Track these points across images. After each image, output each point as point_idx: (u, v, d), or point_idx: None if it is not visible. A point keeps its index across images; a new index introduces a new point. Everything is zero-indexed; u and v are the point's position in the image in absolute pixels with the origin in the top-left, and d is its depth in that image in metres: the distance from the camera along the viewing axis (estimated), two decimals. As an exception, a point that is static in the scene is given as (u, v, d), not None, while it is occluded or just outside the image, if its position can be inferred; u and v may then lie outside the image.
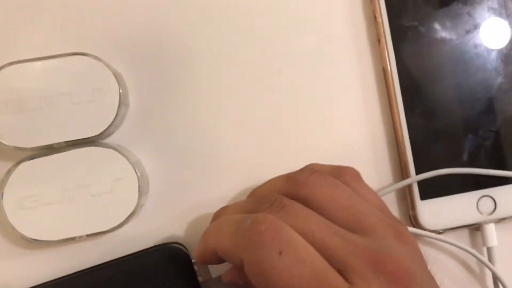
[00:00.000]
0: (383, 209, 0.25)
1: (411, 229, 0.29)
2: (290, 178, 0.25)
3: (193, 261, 0.27)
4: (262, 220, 0.21)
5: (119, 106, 0.27)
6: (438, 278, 0.22)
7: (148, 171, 0.29)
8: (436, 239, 0.29)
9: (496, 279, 0.29)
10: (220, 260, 0.23)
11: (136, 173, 0.27)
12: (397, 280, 0.20)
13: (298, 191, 0.24)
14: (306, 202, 0.23)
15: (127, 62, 0.29)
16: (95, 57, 0.27)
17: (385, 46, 0.29)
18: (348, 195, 0.23)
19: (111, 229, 0.27)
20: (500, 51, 0.30)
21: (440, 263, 0.30)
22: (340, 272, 0.20)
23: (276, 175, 0.26)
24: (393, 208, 0.30)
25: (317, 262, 0.20)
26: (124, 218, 0.27)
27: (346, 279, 0.20)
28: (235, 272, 0.24)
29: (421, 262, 0.22)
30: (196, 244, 0.24)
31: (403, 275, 0.20)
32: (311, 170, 0.25)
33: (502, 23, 0.30)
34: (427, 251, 0.29)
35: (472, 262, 0.30)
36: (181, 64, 0.29)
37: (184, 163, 0.29)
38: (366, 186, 0.25)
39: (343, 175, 0.25)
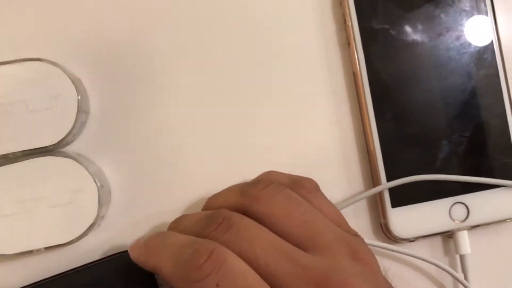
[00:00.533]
0: (341, 223, 0.24)
1: (374, 242, 0.28)
2: (244, 191, 0.24)
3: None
4: (202, 251, 0.21)
5: (78, 113, 0.26)
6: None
7: (110, 180, 0.28)
8: (398, 252, 0.28)
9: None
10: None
11: (96, 183, 0.26)
12: None
13: (251, 206, 0.23)
14: (258, 218, 0.22)
15: (88, 68, 0.28)
16: (52, 63, 0.26)
17: (355, 50, 0.28)
18: (303, 210, 0.22)
19: (70, 241, 0.26)
20: (472, 55, 0.29)
21: (405, 275, 0.29)
22: None
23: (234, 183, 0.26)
24: (365, 216, 0.29)
25: None
26: (84, 230, 0.26)
27: None
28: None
29: (377, 280, 0.22)
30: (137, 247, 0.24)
31: None
32: (267, 181, 0.24)
33: (475, 26, 0.29)
34: (392, 264, 0.29)
35: (441, 272, 0.30)
36: (143, 70, 0.28)
37: (146, 172, 0.28)
38: (324, 199, 0.25)
39: (300, 187, 0.24)
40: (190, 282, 0.21)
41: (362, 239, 0.23)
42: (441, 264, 0.29)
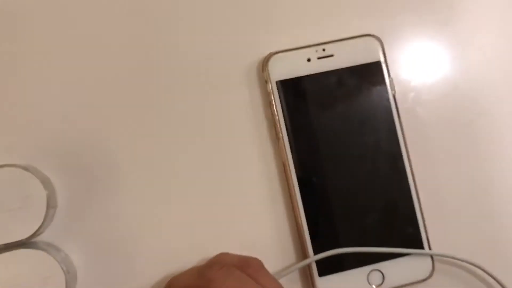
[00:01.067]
0: None
1: None
2: (201, 274, 0.29)
3: None
4: None
5: (47, 209, 0.31)
6: None
7: (76, 263, 0.32)
8: None
9: None
10: None
11: (63, 269, 0.30)
12: None
13: (208, 286, 0.28)
14: None
15: (55, 167, 0.33)
16: (23, 167, 0.31)
17: (283, 143, 0.34)
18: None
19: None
20: (379, 141, 0.35)
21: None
22: None
23: (192, 262, 0.31)
24: (298, 285, 0.34)
25: None
26: (53, 311, 0.30)
27: None
28: None
29: None
30: None
31: None
32: (220, 264, 0.29)
33: (381, 118, 0.35)
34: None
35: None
36: (102, 166, 0.33)
37: (109, 254, 0.33)
38: (268, 275, 0.30)
39: (248, 267, 0.29)
40: None
41: None
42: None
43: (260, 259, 0.32)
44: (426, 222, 0.34)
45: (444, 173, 0.37)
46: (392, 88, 0.35)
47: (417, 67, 0.37)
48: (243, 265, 0.30)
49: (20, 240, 0.30)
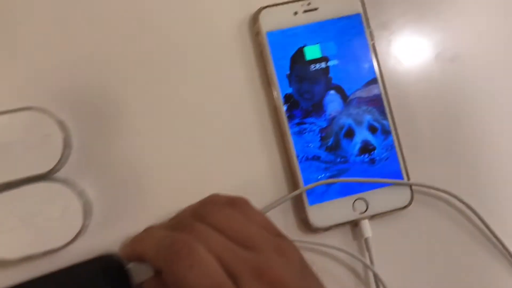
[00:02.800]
0: (269, 227, 0.32)
1: (296, 238, 0.37)
2: (195, 211, 0.33)
3: (127, 266, 0.34)
4: (179, 240, 0.29)
5: (63, 148, 0.34)
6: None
7: (91, 197, 0.36)
8: (316, 243, 0.37)
9: (367, 268, 0.38)
10: (142, 261, 0.31)
11: (80, 201, 0.34)
12: (273, 285, 0.28)
13: (204, 220, 0.31)
14: (209, 225, 0.31)
15: (68, 112, 0.36)
16: (41, 110, 0.34)
17: (274, 85, 0.38)
18: (239, 221, 0.31)
19: (62, 246, 0.34)
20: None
21: (323, 264, 0.38)
22: (234, 280, 0.28)
23: (193, 198, 0.34)
24: (290, 213, 0.38)
25: (216, 274, 0.28)
26: (72, 237, 0.34)
27: (237, 286, 0.28)
28: (154, 281, 0.32)
29: (300, 270, 0.30)
30: (124, 245, 0.32)
31: (277, 282, 0.28)
32: (212, 203, 0.33)
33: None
34: (311, 255, 0.38)
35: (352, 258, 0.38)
36: (113, 109, 0.37)
37: (121, 189, 0.36)
38: (254, 210, 0.33)
39: (235, 205, 0.33)
40: (169, 262, 0.28)
41: (285, 238, 0.32)
42: (349, 250, 0.37)
43: (257, 193, 0.36)
44: (405, 154, 0.38)
45: (420, 106, 0.41)
46: (372, 38, 0.39)
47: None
48: (232, 202, 0.33)
49: (39, 174, 0.34)
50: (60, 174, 0.35)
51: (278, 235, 0.32)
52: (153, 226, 0.35)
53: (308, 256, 0.32)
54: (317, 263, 0.34)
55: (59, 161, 0.34)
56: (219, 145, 0.38)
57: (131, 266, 0.33)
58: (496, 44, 0.42)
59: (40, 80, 0.37)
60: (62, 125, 0.35)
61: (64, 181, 0.34)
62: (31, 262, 0.34)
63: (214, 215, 0.32)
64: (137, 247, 0.32)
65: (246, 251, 0.29)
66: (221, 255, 0.29)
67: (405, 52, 0.41)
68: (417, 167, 0.39)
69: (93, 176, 0.36)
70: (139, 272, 0.34)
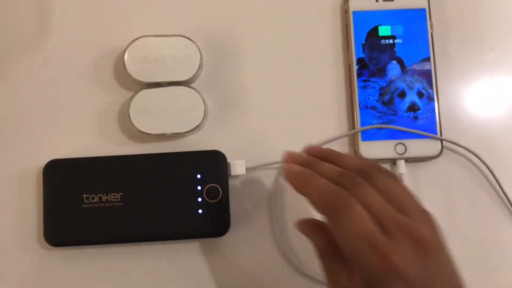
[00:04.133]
0: (419, 203, 0.35)
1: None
2: (363, 170, 0.36)
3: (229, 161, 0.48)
4: (344, 196, 0.33)
5: (199, 67, 0.49)
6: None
7: (209, 104, 0.51)
8: None
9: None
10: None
11: (203, 102, 0.49)
12: (419, 244, 0.31)
13: (370, 180, 0.35)
14: (373, 187, 0.35)
15: (202, 42, 0.51)
16: (188, 38, 0.49)
17: (351, 49, 0.51)
18: (399, 191, 0.35)
19: (185, 132, 0.49)
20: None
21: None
22: (386, 234, 0.32)
23: (281, 125, 0.50)
24: (346, 146, 0.51)
25: (371, 227, 0.32)
26: (195, 125, 0.49)
27: (388, 238, 0.31)
28: (310, 227, 0.38)
29: (439, 236, 0.33)
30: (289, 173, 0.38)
31: (424, 241, 0.31)
32: (378, 168, 0.37)
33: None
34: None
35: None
36: (236, 48, 0.52)
37: (228, 105, 0.51)
38: (406, 187, 0.36)
39: (396, 178, 0.37)
40: (336, 213, 0.33)
41: (431, 214, 0.34)
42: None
43: (325, 128, 0.51)
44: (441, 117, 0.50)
45: (460, 84, 0.52)
46: (431, 28, 0.52)
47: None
48: (393, 175, 0.37)
49: (180, 81, 0.49)
50: (193, 84, 0.51)
51: (425, 211, 0.35)
52: (318, 163, 0.38)
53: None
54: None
55: (193, 75, 0.49)
56: (304, 88, 0.52)
57: (231, 162, 0.48)
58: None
59: (192, 18, 0.52)
60: (200, 51, 0.50)
61: (195, 89, 0.49)
62: (163, 140, 0.50)
63: (380, 180, 0.35)
64: (302, 186, 0.36)
65: (400, 214, 0.33)
66: (378, 212, 0.33)
67: (454, 43, 0.53)
68: (449, 129, 0.51)
69: (213, 91, 0.51)
70: (236, 168, 0.48)
